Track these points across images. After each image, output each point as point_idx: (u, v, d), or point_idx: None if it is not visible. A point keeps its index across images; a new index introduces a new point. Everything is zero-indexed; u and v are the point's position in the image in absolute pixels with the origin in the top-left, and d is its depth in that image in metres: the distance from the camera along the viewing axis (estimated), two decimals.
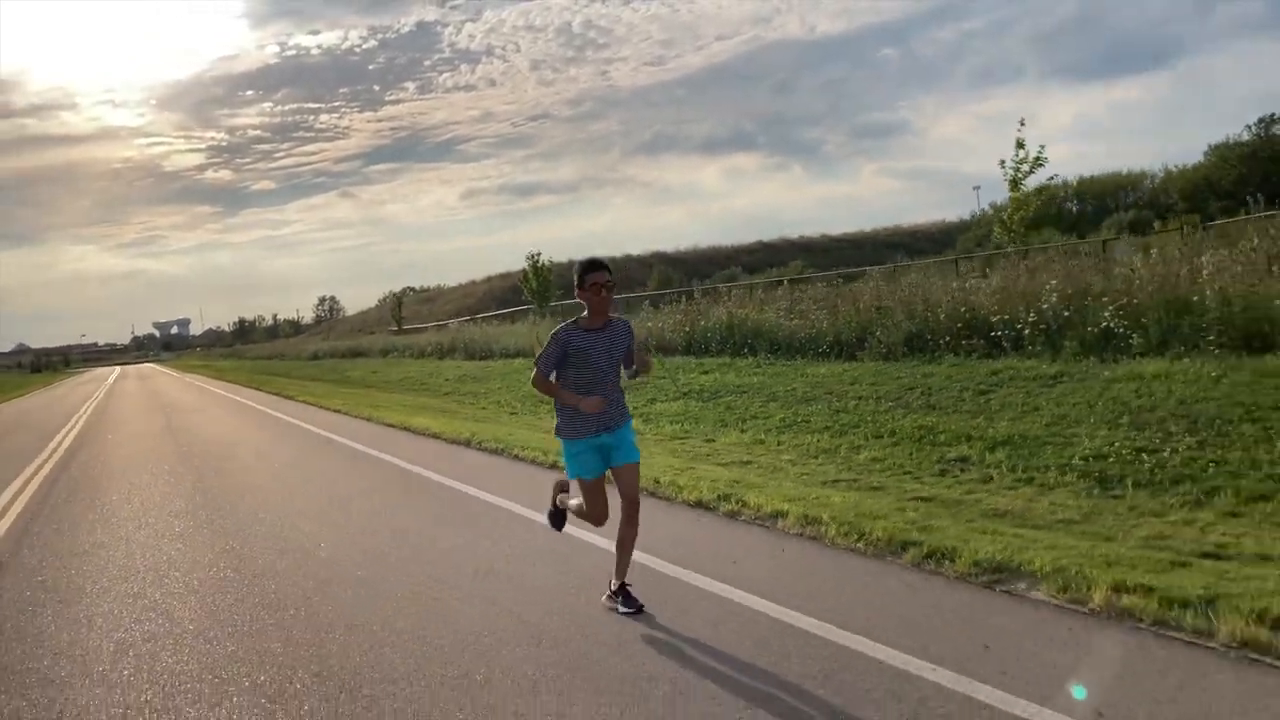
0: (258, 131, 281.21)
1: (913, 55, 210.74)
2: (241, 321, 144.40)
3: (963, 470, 7.73)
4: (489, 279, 76.57)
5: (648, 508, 7.14)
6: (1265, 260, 10.12)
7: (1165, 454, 6.98)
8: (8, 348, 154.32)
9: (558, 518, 5.16)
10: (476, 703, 3.59)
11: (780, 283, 22.31)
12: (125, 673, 4.29)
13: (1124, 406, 8.33)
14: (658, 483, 7.46)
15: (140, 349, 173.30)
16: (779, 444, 9.88)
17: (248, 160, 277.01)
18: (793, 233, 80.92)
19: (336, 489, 9.09)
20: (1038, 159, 19.39)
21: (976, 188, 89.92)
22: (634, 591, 4.60)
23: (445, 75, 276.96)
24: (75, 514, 8.66)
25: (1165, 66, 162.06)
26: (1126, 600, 3.94)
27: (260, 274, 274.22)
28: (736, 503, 6.56)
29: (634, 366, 4.69)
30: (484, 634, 4.39)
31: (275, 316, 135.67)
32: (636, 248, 78.51)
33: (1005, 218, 20.22)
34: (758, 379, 13.98)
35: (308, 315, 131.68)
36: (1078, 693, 3.21)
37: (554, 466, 9.10)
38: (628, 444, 4.64)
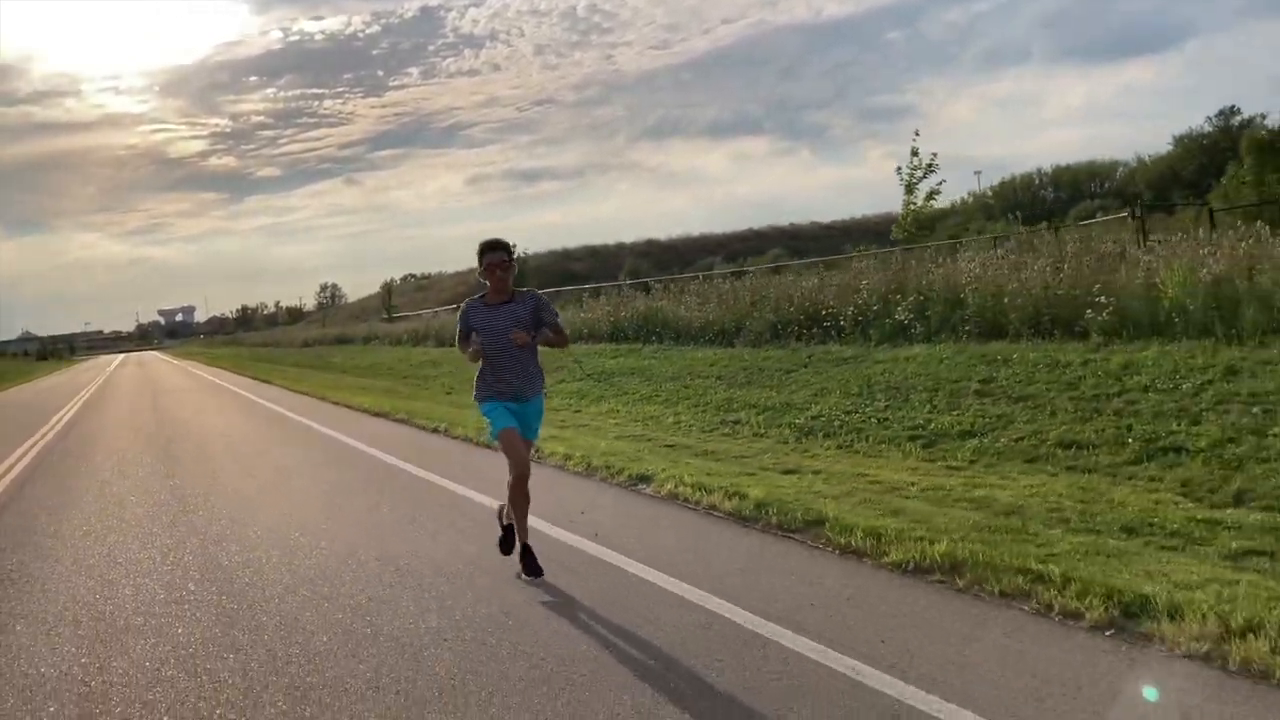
0: (262, 118, 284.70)
1: (920, 37, 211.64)
2: (244, 309, 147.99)
3: (729, 428, 10.40)
4: None
5: (468, 450, 9.91)
6: (1010, 265, 12.67)
7: (858, 415, 9.65)
8: (14, 335, 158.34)
9: (506, 542, 5.45)
10: (287, 545, 6.31)
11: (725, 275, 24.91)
12: (87, 542, 7.04)
13: (866, 381, 10.98)
14: (459, 428, 10.18)
15: (144, 336, 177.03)
16: (625, 413, 12.57)
17: (252, 147, 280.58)
18: (784, 220, 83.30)
19: (265, 446, 11.86)
20: (929, 165, 21.89)
21: (978, 172, 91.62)
22: (536, 555, 5.13)
23: (449, 60, 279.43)
24: (67, 466, 11.45)
25: (1176, 47, 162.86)
26: (680, 489, 6.65)
27: (266, 261, 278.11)
28: (534, 450, 9.26)
29: (541, 332, 5.15)
30: (296, 491, 7.12)
31: (277, 304, 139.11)
32: (642, 234, 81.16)
33: (901, 220, 22.62)
34: (650, 362, 16.66)
35: (310, 302, 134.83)
36: (598, 531, 5.91)
37: (436, 431, 11.84)
38: (530, 426, 5.20)
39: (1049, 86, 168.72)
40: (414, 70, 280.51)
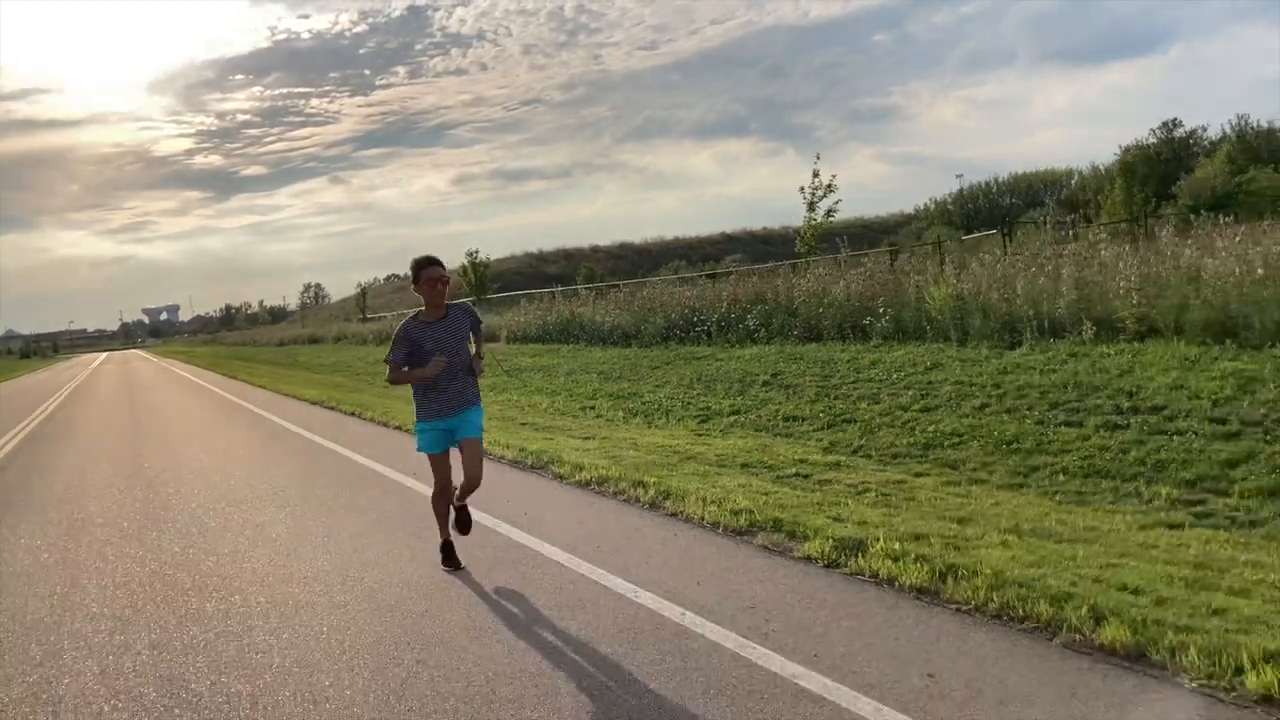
0: (248, 116, 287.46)
1: (907, 39, 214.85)
2: (228, 308, 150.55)
3: (584, 412, 13.23)
4: (462, 267, 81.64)
5: (367, 426, 12.73)
6: (826, 280, 15.54)
7: (674, 399, 12.50)
8: None
9: (462, 522, 5.68)
10: (209, 482, 9.14)
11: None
12: (69, 484, 9.87)
13: (699, 375, 13.84)
14: (389, 417, 13.03)
15: (128, 335, 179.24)
16: (514, 401, 15.40)
17: (238, 145, 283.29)
18: (756, 224, 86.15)
19: (214, 425, 14.70)
20: (829, 186, 24.76)
21: (959, 175, 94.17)
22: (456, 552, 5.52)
23: (436, 59, 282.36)
24: (53, 441, 14.28)
25: (1160, 51, 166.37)
26: (489, 448, 9.49)
27: (251, 259, 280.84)
28: (410, 423, 12.10)
29: (477, 354, 5.37)
30: (226, 452, 9.94)
31: (261, 303, 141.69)
32: (629, 235, 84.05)
33: (802, 234, 25.42)
34: (558, 360, 19.50)
35: (294, 302, 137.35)
36: (415, 471, 8.76)
37: (352, 414, 14.67)
38: (472, 424, 5.33)
39: (1034, 89, 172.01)
40: (401, 69, 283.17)
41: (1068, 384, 8.96)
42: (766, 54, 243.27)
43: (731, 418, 10.89)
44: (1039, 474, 7.01)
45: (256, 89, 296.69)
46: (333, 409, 15.93)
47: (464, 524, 5.64)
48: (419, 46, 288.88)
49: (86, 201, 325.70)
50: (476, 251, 43.40)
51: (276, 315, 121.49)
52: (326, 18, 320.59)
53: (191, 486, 9.12)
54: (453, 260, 43.94)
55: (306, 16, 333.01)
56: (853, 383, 11.19)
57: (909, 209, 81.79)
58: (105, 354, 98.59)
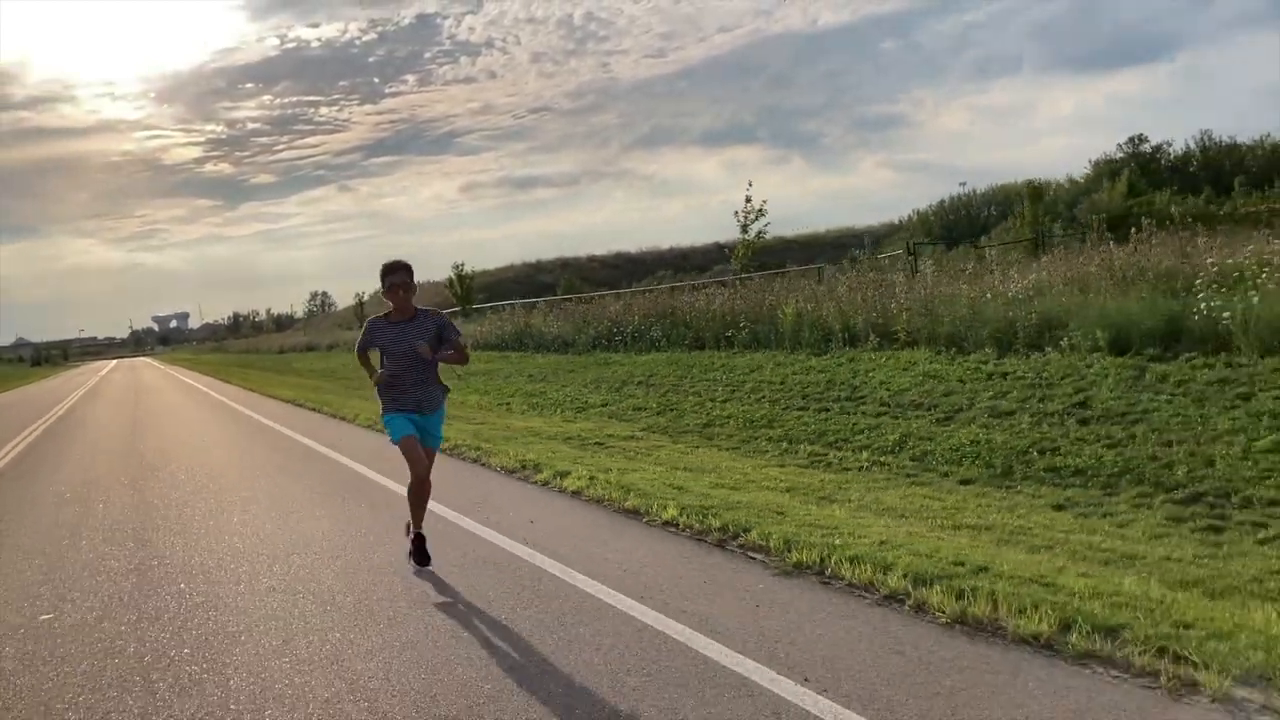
0: (257, 124, 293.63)
1: (914, 47, 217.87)
2: (236, 316, 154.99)
3: (499, 407, 16.54)
4: (449, 280, 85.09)
5: (318, 417, 16.14)
6: (711, 296, 18.80)
7: (565, 397, 15.78)
8: (8, 341, 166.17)
9: (419, 553, 5.92)
10: (189, 462, 12.50)
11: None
12: (77, 462, 13.26)
13: (598, 378, 17.12)
14: (339, 410, 16.40)
15: (138, 343, 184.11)
16: (449, 400, 18.71)
17: (247, 153, 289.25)
18: (749, 233, 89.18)
19: (199, 419, 18.12)
20: (760, 210, 28.06)
21: (963, 184, 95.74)
22: (427, 547, 5.90)
23: (445, 68, 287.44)
24: (64, 433, 17.72)
25: (1166, 59, 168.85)
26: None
27: (260, 267, 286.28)
28: (352, 415, 15.45)
29: (443, 350, 5.76)
30: (206, 437, 13.30)
31: (269, 311, 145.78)
32: (636, 243, 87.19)
33: (736, 252, 28.67)
34: (504, 366, 22.83)
35: (301, 310, 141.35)
36: (337, 447, 12.07)
37: (314, 410, 18.03)
38: (432, 434, 5.83)
39: (1040, 96, 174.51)
40: (410, 77, 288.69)
41: (824, 381, 12.20)
42: (774, 62, 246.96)
43: (600, 408, 14.16)
44: (754, 441, 10.24)
45: (266, 97, 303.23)
46: (300, 406, 19.32)
47: (422, 557, 5.90)
48: (428, 55, 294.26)
49: (96, 210, 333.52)
50: (462, 265, 46.85)
51: (282, 323, 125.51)
52: (336, 26, 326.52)
53: (173, 457, 12.49)
54: (443, 272, 47.41)
55: (316, 25, 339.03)
56: (696, 381, 14.44)
57: (892, 220, 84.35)
58: (115, 361, 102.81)
